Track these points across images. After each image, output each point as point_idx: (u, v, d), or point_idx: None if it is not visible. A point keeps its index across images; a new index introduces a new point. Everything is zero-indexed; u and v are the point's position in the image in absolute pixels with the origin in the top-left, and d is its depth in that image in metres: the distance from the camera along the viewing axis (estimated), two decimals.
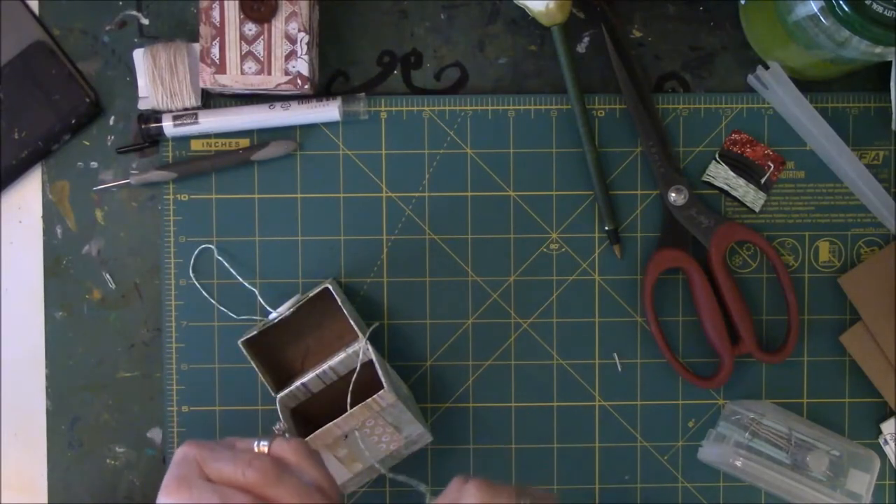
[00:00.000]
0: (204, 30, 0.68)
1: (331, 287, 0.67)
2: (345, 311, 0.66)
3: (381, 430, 0.66)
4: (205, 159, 0.71)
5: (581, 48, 0.73)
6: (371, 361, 0.65)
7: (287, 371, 0.70)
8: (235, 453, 0.55)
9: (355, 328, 0.67)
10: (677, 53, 0.73)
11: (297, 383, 0.67)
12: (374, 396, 0.63)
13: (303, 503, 0.54)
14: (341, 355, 0.66)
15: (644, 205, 0.72)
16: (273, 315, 0.68)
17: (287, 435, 0.61)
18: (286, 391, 0.67)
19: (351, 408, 0.64)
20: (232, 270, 0.71)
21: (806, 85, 0.71)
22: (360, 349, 0.65)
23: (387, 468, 0.69)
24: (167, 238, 0.72)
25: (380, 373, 0.64)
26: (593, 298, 0.72)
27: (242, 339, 0.66)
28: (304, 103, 0.70)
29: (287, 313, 0.67)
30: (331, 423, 0.64)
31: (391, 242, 0.72)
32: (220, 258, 0.72)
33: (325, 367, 0.66)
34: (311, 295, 0.67)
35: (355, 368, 0.66)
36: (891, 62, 0.67)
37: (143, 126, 0.71)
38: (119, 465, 0.73)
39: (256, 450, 0.56)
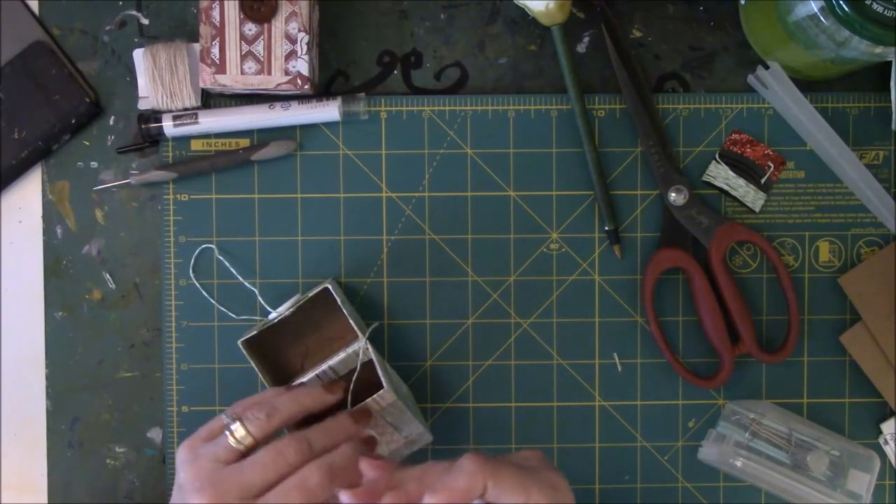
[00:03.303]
0: (204, 30, 0.68)
1: (330, 287, 0.67)
2: (344, 310, 0.66)
3: (380, 429, 0.66)
4: (205, 159, 0.71)
5: (581, 48, 0.73)
6: (371, 361, 0.65)
7: (287, 371, 0.70)
8: (234, 452, 0.59)
9: (355, 328, 0.67)
10: (677, 53, 0.73)
11: (297, 383, 0.67)
12: (374, 396, 0.63)
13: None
14: (341, 355, 0.66)
15: (644, 205, 0.72)
16: (273, 315, 0.68)
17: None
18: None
19: (351, 407, 0.64)
20: (232, 270, 0.71)
21: (806, 85, 0.71)
22: (360, 349, 0.65)
23: None
24: (167, 238, 0.72)
25: (379, 373, 0.64)
26: (593, 298, 0.72)
27: (242, 339, 0.66)
28: (304, 103, 0.70)
29: (287, 313, 0.67)
30: None
31: (391, 242, 0.72)
32: (220, 258, 0.72)
33: (324, 366, 0.66)
34: (310, 295, 0.67)
35: (355, 368, 0.66)
36: (891, 62, 0.67)
37: (143, 126, 0.71)
38: (119, 465, 0.73)
39: (235, 439, 0.59)
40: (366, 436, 0.64)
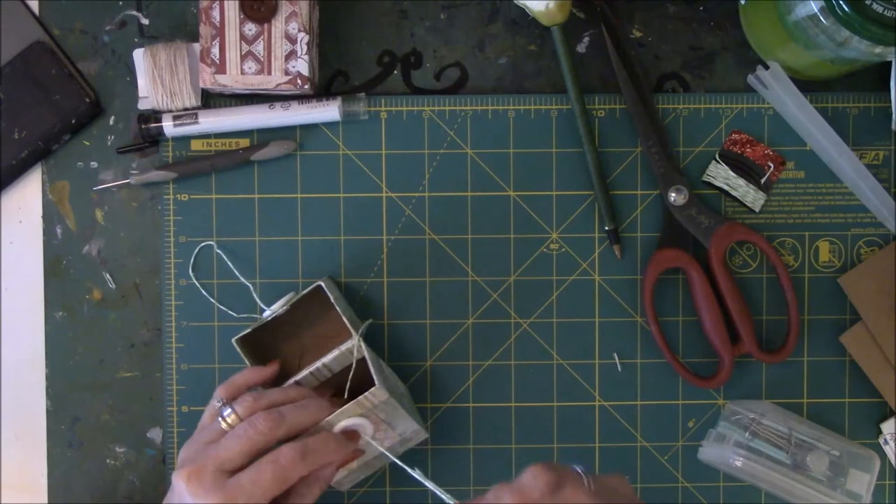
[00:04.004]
0: (204, 30, 0.68)
1: (323, 285, 0.67)
2: (338, 308, 0.66)
3: (374, 426, 0.66)
4: (205, 159, 0.71)
5: (581, 48, 0.73)
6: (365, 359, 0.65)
7: (284, 370, 0.70)
8: (222, 433, 0.60)
9: (348, 326, 0.67)
10: (677, 53, 0.73)
11: (291, 381, 0.66)
12: (366, 394, 0.63)
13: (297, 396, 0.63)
14: (335, 352, 0.66)
15: (644, 205, 0.72)
16: (267, 313, 0.68)
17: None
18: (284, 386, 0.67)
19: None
20: (230, 265, 0.71)
21: (806, 85, 0.71)
22: (355, 346, 0.65)
23: (382, 465, 0.68)
24: (167, 238, 0.72)
25: (372, 370, 0.64)
26: (593, 298, 0.72)
27: (236, 337, 0.66)
28: (304, 103, 0.70)
29: (281, 311, 0.67)
30: (323, 421, 0.64)
31: (391, 242, 0.72)
32: (219, 252, 0.72)
33: (318, 364, 0.66)
34: (303, 293, 0.67)
35: (351, 365, 0.66)
36: (891, 62, 0.67)
37: (143, 126, 0.71)
38: (119, 465, 0.73)
39: (223, 419, 0.60)
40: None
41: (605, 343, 0.73)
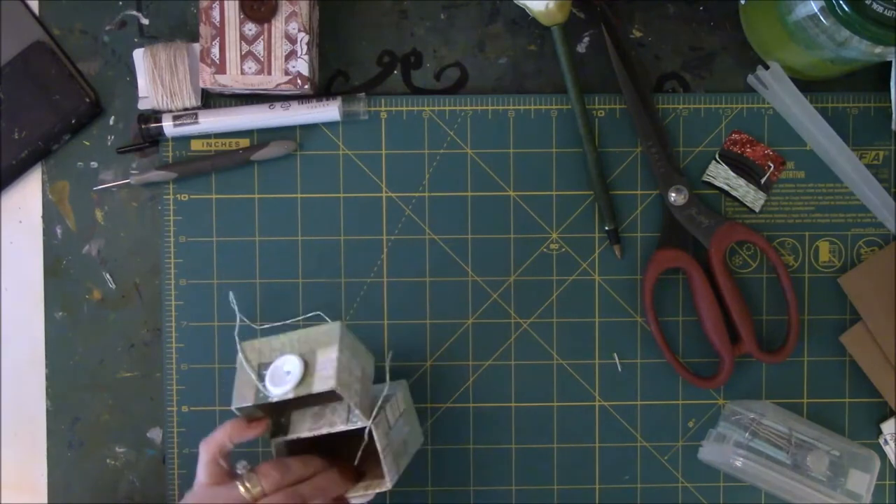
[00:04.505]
0: (204, 30, 0.68)
1: (336, 384, 0.60)
2: (350, 402, 0.61)
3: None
4: (205, 159, 0.71)
5: (581, 48, 0.73)
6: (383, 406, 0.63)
7: (285, 425, 0.65)
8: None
9: (360, 416, 0.62)
10: (677, 53, 0.73)
11: (293, 436, 0.63)
12: (375, 484, 0.62)
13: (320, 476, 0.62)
14: (340, 427, 0.62)
15: (644, 205, 0.72)
16: (273, 396, 0.61)
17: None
18: (282, 439, 0.64)
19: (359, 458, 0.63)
20: (234, 306, 0.71)
21: (806, 85, 0.71)
22: (367, 431, 0.62)
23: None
24: (167, 238, 0.72)
25: (383, 461, 0.61)
26: (593, 298, 0.72)
27: (236, 407, 0.62)
28: (304, 103, 0.70)
29: (290, 395, 0.61)
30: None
31: (391, 242, 0.72)
32: (232, 304, 0.71)
33: (323, 430, 0.63)
34: (314, 392, 0.60)
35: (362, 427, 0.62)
36: (891, 62, 0.67)
37: (143, 126, 0.71)
38: (119, 465, 0.73)
39: (245, 489, 0.60)
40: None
41: (605, 343, 0.73)
